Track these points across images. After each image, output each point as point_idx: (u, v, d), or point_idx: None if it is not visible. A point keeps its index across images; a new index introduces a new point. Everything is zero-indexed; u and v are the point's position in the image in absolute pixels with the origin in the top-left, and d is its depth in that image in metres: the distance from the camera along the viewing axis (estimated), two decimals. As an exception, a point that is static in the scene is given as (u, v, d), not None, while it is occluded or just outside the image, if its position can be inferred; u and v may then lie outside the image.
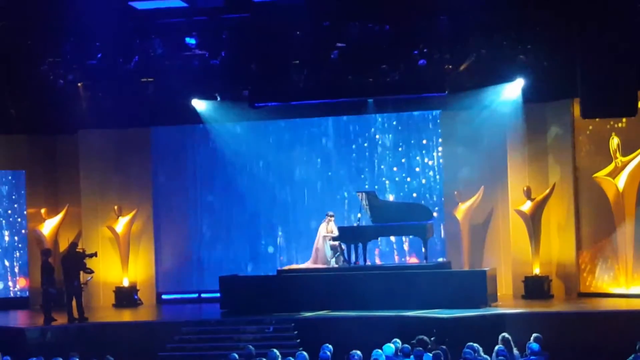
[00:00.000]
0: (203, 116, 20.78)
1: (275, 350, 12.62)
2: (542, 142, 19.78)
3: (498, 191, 20.18)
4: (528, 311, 17.08)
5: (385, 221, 19.13)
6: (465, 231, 20.48)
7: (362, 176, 21.54)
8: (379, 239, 20.30)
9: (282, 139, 21.81)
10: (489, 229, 20.44)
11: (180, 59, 19.21)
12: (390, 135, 21.47)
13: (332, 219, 19.53)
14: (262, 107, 19.91)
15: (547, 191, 19.45)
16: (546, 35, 18.04)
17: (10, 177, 21.58)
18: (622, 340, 13.74)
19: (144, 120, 21.18)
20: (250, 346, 13.45)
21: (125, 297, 20.94)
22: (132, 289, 21.11)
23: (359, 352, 12.03)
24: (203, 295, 21.54)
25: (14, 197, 21.58)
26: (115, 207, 21.22)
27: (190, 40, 19.01)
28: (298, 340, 16.41)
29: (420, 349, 12.47)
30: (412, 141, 21.34)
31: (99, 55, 19.23)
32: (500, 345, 12.56)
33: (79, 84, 20.01)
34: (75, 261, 18.44)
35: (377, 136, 21.55)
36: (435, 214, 20.03)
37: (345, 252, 19.38)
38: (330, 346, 12.65)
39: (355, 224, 19.48)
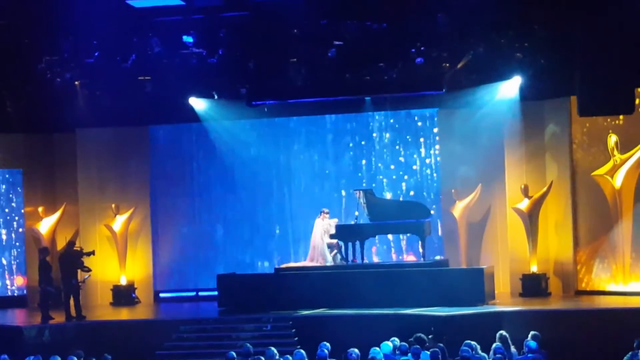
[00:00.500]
0: (201, 114, 20.77)
1: (272, 348, 12.64)
2: (539, 140, 19.78)
3: (495, 189, 20.18)
4: (525, 309, 17.10)
5: (382, 219, 19.14)
6: (463, 229, 20.50)
7: (360, 174, 21.54)
8: (377, 237, 20.30)
9: (280, 137, 21.81)
10: (486, 227, 20.46)
11: (177, 57, 19.21)
12: (387, 133, 21.49)
13: (327, 215, 19.53)
14: (260, 105, 19.96)
15: (545, 189, 19.46)
16: (543, 33, 18.05)
17: (7, 176, 21.58)
18: (619, 338, 13.76)
19: (142, 119, 21.17)
20: (248, 344, 13.46)
21: (123, 295, 20.94)
22: (130, 288, 21.11)
23: (356, 350, 12.03)
24: (201, 293, 21.57)
25: (11, 195, 21.58)
26: (113, 206, 21.21)
27: (188, 39, 19.02)
28: (296, 339, 16.43)
29: (418, 346, 12.48)
30: (410, 139, 21.35)
31: (97, 54, 19.23)
32: (498, 343, 12.57)
33: (77, 82, 19.99)
34: (73, 260, 18.45)
35: (375, 134, 21.56)
36: (432, 212, 20.06)
37: (342, 250, 19.39)
38: (327, 344, 12.66)
39: (352, 222, 19.48)
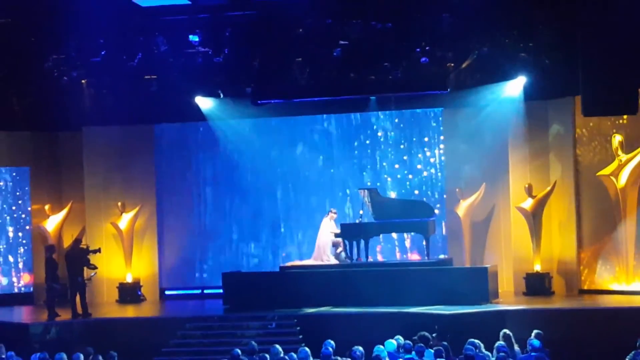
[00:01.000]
0: (206, 113, 20.85)
1: (277, 346, 12.69)
2: (543, 139, 19.83)
3: (499, 188, 20.23)
4: (529, 308, 17.15)
5: (387, 218, 19.19)
6: (467, 228, 20.55)
7: (364, 173, 21.59)
8: (381, 235, 20.36)
9: (285, 136, 21.87)
10: (490, 226, 20.50)
11: (183, 56, 19.27)
12: (392, 133, 21.54)
13: (335, 215, 19.60)
14: (265, 104, 20.03)
15: (549, 188, 19.51)
16: (548, 33, 18.09)
17: (14, 174, 21.67)
18: (622, 337, 13.79)
19: (148, 117, 21.25)
20: (253, 342, 13.52)
21: (129, 293, 21.02)
22: (136, 285, 21.19)
23: (360, 348, 12.08)
24: (206, 291, 21.62)
25: (18, 193, 21.66)
26: (119, 204, 21.30)
27: (194, 38, 19.07)
28: (300, 336, 16.48)
29: (422, 345, 12.52)
30: (414, 138, 21.40)
31: (103, 53, 19.29)
32: (501, 342, 12.61)
33: (83, 81, 20.07)
34: (79, 257, 18.54)
35: (379, 133, 21.61)
36: (436, 211, 20.11)
37: (347, 248, 19.45)
38: (332, 342, 12.71)
39: (357, 221, 19.54)
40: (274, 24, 18.60)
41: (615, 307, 17.10)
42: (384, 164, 21.55)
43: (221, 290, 19.27)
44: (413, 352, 12.37)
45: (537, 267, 19.32)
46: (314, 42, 18.73)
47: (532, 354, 12.33)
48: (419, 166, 21.36)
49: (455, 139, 20.64)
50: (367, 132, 21.65)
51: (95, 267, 18.81)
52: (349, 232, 19.35)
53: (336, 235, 19.41)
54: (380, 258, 20.93)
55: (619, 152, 18.66)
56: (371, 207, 19.17)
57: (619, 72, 15.46)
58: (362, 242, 19.21)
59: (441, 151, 21.16)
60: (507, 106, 19.48)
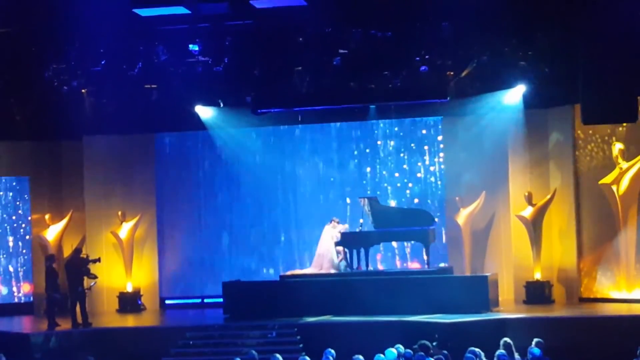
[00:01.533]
0: (206, 122, 20.87)
1: (278, 355, 12.67)
2: (543, 147, 19.86)
3: (499, 197, 20.24)
4: (529, 316, 17.15)
5: (387, 226, 19.20)
6: (467, 236, 20.55)
7: (364, 182, 21.61)
8: (381, 244, 20.37)
9: (285, 145, 21.89)
10: (490, 235, 20.51)
11: (183, 66, 19.29)
12: (392, 141, 21.56)
13: (337, 224, 19.60)
14: (265, 113, 20.02)
15: (548, 197, 19.52)
16: (547, 42, 18.12)
17: (14, 183, 21.69)
18: (623, 345, 13.77)
19: (148, 127, 21.27)
20: (253, 351, 13.48)
21: (129, 302, 21.02)
22: (136, 294, 21.19)
23: (361, 357, 12.05)
24: (206, 300, 21.63)
25: (18, 203, 21.68)
26: (119, 213, 21.31)
27: (194, 47, 19.09)
28: (301, 345, 16.48)
29: (422, 353, 12.51)
30: (414, 147, 21.42)
31: (103, 62, 19.31)
32: (502, 350, 12.59)
33: (83, 90, 20.09)
34: (79, 267, 18.53)
35: (379, 142, 21.63)
36: (436, 220, 20.09)
37: (347, 257, 19.45)
38: (332, 351, 12.70)
39: (357, 230, 19.55)
40: (274, 33, 18.62)
41: (615, 315, 17.10)
42: (384, 172, 21.56)
43: (221, 300, 19.28)
44: (413, 361, 12.36)
45: (538, 276, 19.33)
46: (314, 50, 18.76)
47: (533, 362, 12.32)
48: (419, 174, 21.37)
49: (455, 147, 20.67)
50: (367, 140, 21.68)
51: (95, 277, 18.80)
52: (349, 241, 19.36)
53: (336, 244, 19.41)
54: (380, 267, 20.94)
55: (619, 160, 18.67)
56: (371, 216, 19.18)
57: (618, 80, 15.47)
58: (362, 251, 19.22)
59: (441, 159, 21.17)
60: (507, 114, 19.50)
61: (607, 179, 18.80)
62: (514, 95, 19.22)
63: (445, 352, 12.85)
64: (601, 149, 19.04)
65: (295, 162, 21.85)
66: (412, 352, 12.71)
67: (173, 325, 18.78)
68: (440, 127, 21.19)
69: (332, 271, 19.33)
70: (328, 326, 17.16)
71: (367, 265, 19.23)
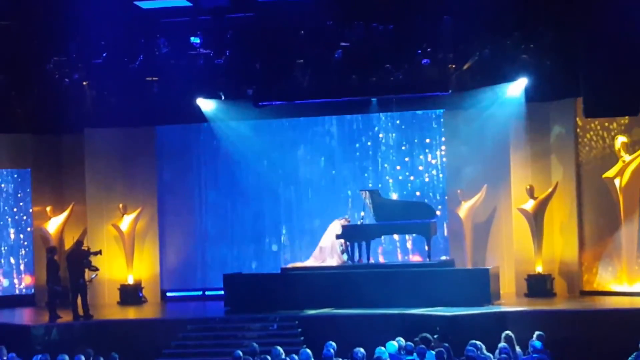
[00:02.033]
0: (207, 115, 20.85)
1: (278, 347, 12.70)
2: (545, 141, 19.83)
3: (501, 190, 20.22)
4: (531, 309, 17.13)
5: (388, 219, 19.20)
6: (468, 230, 20.54)
7: (366, 175, 21.60)
8: (382, 237, 20.37)
9: (286, 138, 21.88)
10: (491, 228, 20.49)
11: (185, 58, 19.31)
12: (393, 134, 21.54)
13: (346, 222, 19.60)
14: (266, 106, 20.02)
15: (550, 190, 19.51)
16: (549, 35, 18.11)
17: (15, 176, 21.68)
18: (624, 339, 13.78)
19: (149, 119, 21.24)
20: (254, 343, 13.54)
21: (130, 294, 21.02)
22: (137, 287, 21.19)
23: (362, 350, 12.09)
24: (207, 293, 21.63)
25: (19, 195, 21.68)
26: (120, 206, 21.31)
27: (195, 40, 19.10)
28: (302, 338, 16.48)
29: (423, 346, 12.54)
30: (416, 140, 21.40)
31: (104, 54, 19.34)
32: (503, 343, 12.62)
33: (85, 83, 20.11)
34: (80, 259, 18.55)
35: (381, 135, 21.62)
36: (438, 213, 20.08)
37: (348, 250, 19.46)
38: (333, 344, 12.73)
39: (358, 222, 19.55)
40: (275, 26, 18.65)
41: (617, 309, 17.08)
42: (386, 165, 21.55)
43: (222, 292, 19.28)
44: (414, 354, 12.38)
45: (539, 269, 19.32)
46: (315, 44, 18.77)
47: (534, 355, 12.35)
48: (420, 168, 21.36)
49: (457, 140, 20.64)
50: (368, 133, 21.66)
51: (96, 269, 18.82)
52: (350, 234, 19.36)
53: (337, 237, 19.41)
54: (381, 259, 20.93)
55: (622, 153, 18.65)
56: (372, 209, 19.17)
57: (620, 74, 15.46)
58: (364, 244, 19.22)
59: (442, 153, 21.16)
60: (509, 108, 19.47)
61: (610, 173, 18.76)
62: (516, 89, 19.19)
63: (446, 345, 12.87)
64: (603, 143, 19.01)
65: (296, 155, 21.83)
66: (413, 345, 12.74)
67: (174, 318, 18.78)
68: (441, 120, 21.16)
69: (333, 264, 19.33)
70: (329, 319, 17.17)
71: (368, 258, 19.23)
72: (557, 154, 19.74)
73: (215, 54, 19.23)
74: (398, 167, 21.48)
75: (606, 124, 18.89)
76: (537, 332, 13.03)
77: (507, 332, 13.03)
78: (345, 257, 19.52)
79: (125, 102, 20.28)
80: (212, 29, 19.01)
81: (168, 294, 21.76)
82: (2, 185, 21.56)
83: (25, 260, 21.60)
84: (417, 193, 21.26)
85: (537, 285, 19.17)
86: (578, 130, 19.35)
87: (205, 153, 22.10)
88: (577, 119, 19.22)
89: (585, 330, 15.84)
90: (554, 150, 19.80)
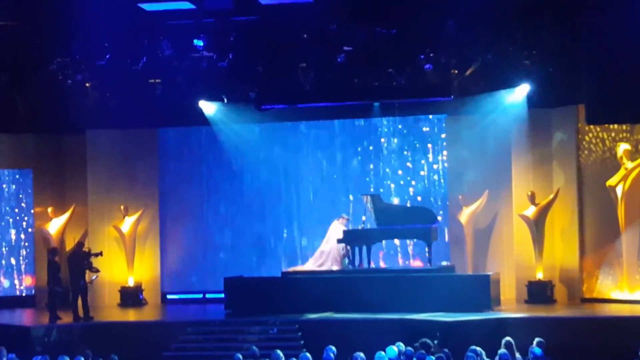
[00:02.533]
0: (210, 118, 20.86)
1: (278, 351, 12.68)
2: (546, 147, 19.83)
3: (502, 196, 20.23)
4: (531, 316, 17.15)
5: (389, 224, 19.20)
6: (469, 235, 20.54)
7: (367, 179, 21.61)
8: (383, 242, 20.37)
9: (288, 141, 21.90)
10: (492, 233, 20.50)
11: (188, 61, 19.29)
12: (395, 139, 21.55)
13: (346, 221, 19.60)
14: (269, 109, 20.02)
15: (551, 196, 19.50)
16: (552, 41, 18.11)
17: (17, 176, 21.70)
18: (624, 346, 13.79)
19: (152, 121, 21.23)
20: (254, 347, 13.55)
21: (131, 296, 21.02)
22: (137, 289, 21.19)
23: (362, 354, 12.09)
24: (208, 295, 21.65)
25: (21, 195, 21.69)
26: (122, 207, 21.31)
27: (198, 42, 19.10)
28: (302, 342, 16.49)
29: (423, 352, 12.53)
30: (417, 145, 21.42)
31: (108, 56, 19.31)
32: (503, 350, 12.60)
33: (87, 84, 20.09)
34: (81, 260, 18.55)
35: (383, 139, 21.63)
36: (439, 218, 20.10)
37: (349, 254, 19.45)
38: (333, 348, 12.73)
39: (359, 227, 19.55)
40: (279, 29, 18.63)
41: (617, 316, 17.08)
42: (387, 170, 21.56)
43: (223, 295, 19.29)
44: (414, 359, 12.36)
45: (540, 275, 19.32)
46: (318, 47, 18.75)
47: (534, 362, 12.33)
48: (422, 172, 21.37)
49: (459, 145, 20.65)
50: (370, 138, 21.67)
51: (97, 270, 18.82)
52: (351, 238, 19.36)
53: (338, 241, 19.41)
54: (382, 264, 20.92)
55: (624, 160, 18.63)
56: (374, 213, 19.18)
57: (622, 81, 15.49)
58: (365, 248, 19.22)
59: (444, 158, 21.17)
60: (511, 113, 19.48)
61: (613, 180, 18.74)
62: (518, 94, 19.19)
63: (446, 350, 12.86)
64: (605, 149, 19.01)
65: (298, 158, 21.85)
66: (413, 350, 12.72)
67: (174, 320, 18.80)
68: (443, 125, 21.17)
69: (334, 268, 19.33)
70: (329, 323, 17.16)
71: (369, 263, 19.23)
72: (559, 161, 19.74)
73: (219, 57, 19.22)
74: (400, 172, 21.49)
75: (608, 131, 18.88)
76: (537, 339, 13.02)
77: (507, 338, 13.02)
78: (345, 261, 19.50)
79: (128, 103, 20.27)
80: (216, 32, 19.01)
81: (168, 296, 21.77)
82: (4, 186, 21.58)
83: (26, 261, 21.61)
84: (419, 198, 21.27)
85: (538, 292, 19.16)
86: (580, 136, 19.34)
87: (207, 155, 22.11)
88: (579, 125, 19.21)
89: (585, 337, 15.83)
90: (555, 157, 19.80)
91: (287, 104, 20.00)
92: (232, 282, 19.16)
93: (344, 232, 19.36)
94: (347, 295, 17.99)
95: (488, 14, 17.44)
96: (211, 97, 20.55)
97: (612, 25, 15.87)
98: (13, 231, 21.56)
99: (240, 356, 12.59)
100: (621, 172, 18.68)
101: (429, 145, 21.34)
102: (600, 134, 19.07)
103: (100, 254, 18.96)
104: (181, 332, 17.43)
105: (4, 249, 21.48)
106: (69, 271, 18.64)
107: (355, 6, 18.13)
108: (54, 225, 21.52)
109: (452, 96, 18.79)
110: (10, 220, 21.56)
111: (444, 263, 20.11)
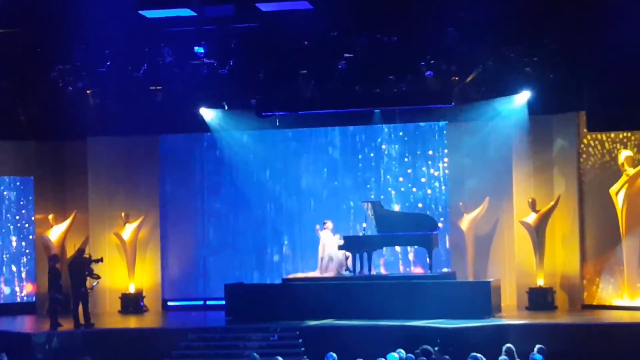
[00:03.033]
0: (211, 125, 20.89)
1: (279, 358, 12.68)
2: (547, 154, 19.84)
3: (503, 202, 20.23)
4: (532, 322, 17.13)
5: (390, 231, 19.20)
6: (470, 242, 20.54)
7: (368, 186, 21.61)
8: (384, 248, 20.37)
9: (289, 148, 21.91)
10: (493, 240, 20.49)
11: (188, 68, 19.32)
12: (396, 146, 21.56)
13: (331, 226, 19.60)
14: (270, 116, 20.04)
15: (552, 203, 19.51)
16: (553, 48, 18.14)
17: (18, 183, 21.71)
18: (625, 353, 13.80)
19: (152, 128, 21.26)
20: (255, 354, 13.51)
21: (131, 303, 21.01)
22: (138, 296, 21.18)
23: (363, 361, 12.09)
24: (208, 302, 21.64)
25: (22, 203, 21.70)
26: (123, 214, 21.32)
27: (199, 49, 19.13)
28: (303, 349, 16.47)
29: (424, 358, 12.51)
30: (418, 152, 21.42)
31: (109, 63, 19.34)
32: (504, 356, 12.59)
33: (88, 91, 20.12)
34: (82, 267, 18.55)
35: (384, 146, 21.63)
36: (440, 225, 20.10)
37: (350, 261, 19.45)
38: (334, 355, 12.69)
39: (360, 234, 19.55)
40: (279, 36, 18.66)
41: (618, 323, 17.07)
42: (388, 177, 21.56)
43: (224, 302, 19.28)
44: (415, 365, 12.35)
45: (540, 282, 19.31)
46: (319, 54, 18.78)
47: (535, 368, 12.31)
48: (422, 179, 21.37)
49: (460, 152, 20.66)
50: (371, 145, 21.68)
51: (98, 277, 18.81)
52: (352, 245, 19.36)
53: (339, 248, 19.42)
54: (383, 271, 20.92)
55: (626, 167, 18.62)
56: (374, 220, 19.19)
57: (624, 88, 15.50)
58: (365, 255, 19.22)
59: (445, 165, 21.17)
60: (512, 120, 19.51)
61: (615, 187, 18.70)
62: (519, 101, 19.21)
63: (447, 357, 12.85)
64: (606, 156, 19.02)
65: (299, 165, 21.85)
66: (414, 357, 12.71)
67: (175, 327, 18.77)
68: (444, 132, 21.18)
69: (345, 274, 19.35)
70: (330, 330, 17.15)
71: (369, 270, 19.22)
72: (560, 167, 19.74)
73: (219, 64, 19.25)
74: (400, 179, 21.49)
75: (609, 137, 18.88)
76: (537, 346, 12.99)
77: (508, 345, 12.99)
78: (345, 272, 19.52)
79: (129, 110, 20.29)
80: (216, 39, 19.04)
81: (169, 303, 21.76)
82: (5, 193, 21.59)
83: (27, 268, 21.61)
84: (419, 205, 21.26)
85: (539, 299, 19.16)
86: (581, 143, 19.34)
87: (208, 162, 22.12)
88: (580, 132, 19.22)
89: (586, 344, 15.82)
90: (556, 164, 19.81)
91: (287, 111, 20.02)
92: (233, 289, 19.16)
93: (345, 238, 19.36)
94: (348, 302, 17.99)
95: (488, 21, 17.47)
96: (212, 104, 20.58)
97: (613, 32, 15.90)
98: (14, 238, 21.57)
99: (241, 363, 12.59)
100: (622, 179, 18.68)
101: (430, 152, 21.34)
102: (601, 141, 19.07)
103: (101, 260, 18.97)
104: (182, 339, 17.41)
105: (5, 256, 21.48)
106: (69, 278, 18.63)
107: (355, 13, 18.15)
108: (55, 232, 21.53)
109: (452, 103, 18.81)
110: (11, 227, 21.56)
111: (445, 270, 20.11)
